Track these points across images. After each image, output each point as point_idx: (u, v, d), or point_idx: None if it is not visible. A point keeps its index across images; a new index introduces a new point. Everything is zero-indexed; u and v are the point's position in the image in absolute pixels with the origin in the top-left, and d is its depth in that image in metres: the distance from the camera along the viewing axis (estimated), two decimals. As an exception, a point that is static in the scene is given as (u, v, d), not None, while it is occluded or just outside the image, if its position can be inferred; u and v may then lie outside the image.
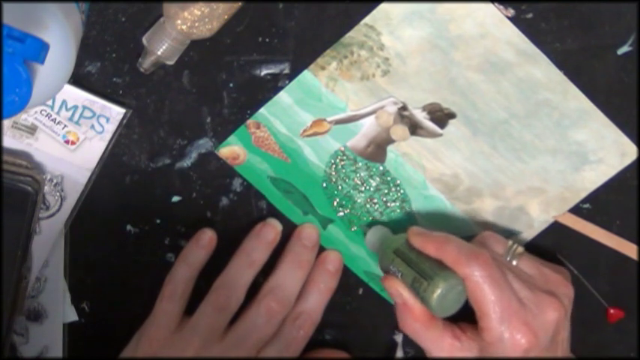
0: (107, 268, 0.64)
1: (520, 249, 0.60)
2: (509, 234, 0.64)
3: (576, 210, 0.64)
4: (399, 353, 0.66)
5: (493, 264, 0.55)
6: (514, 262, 0.59)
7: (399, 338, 0.66)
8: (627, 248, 0.65)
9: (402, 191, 0.64)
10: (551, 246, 0.65)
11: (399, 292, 0.58)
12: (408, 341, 0.66)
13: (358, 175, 0.63)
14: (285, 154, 0.63)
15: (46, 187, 0.60)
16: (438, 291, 0.55)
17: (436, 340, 0.58)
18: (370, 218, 0.64)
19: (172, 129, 0.62)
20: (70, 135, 0.60)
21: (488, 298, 0.55)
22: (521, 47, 0.60)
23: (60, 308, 0.63)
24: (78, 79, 0.60)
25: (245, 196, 0.63)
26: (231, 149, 0.62)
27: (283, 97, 0.61)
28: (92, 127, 0.60)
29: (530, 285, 0.57)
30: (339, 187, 0.64)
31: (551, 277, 0.59)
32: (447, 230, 0.64)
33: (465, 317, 0.58)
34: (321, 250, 0.64)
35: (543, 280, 0.59)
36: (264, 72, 0.61)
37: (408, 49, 0.61)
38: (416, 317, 0.58)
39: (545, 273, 0.59)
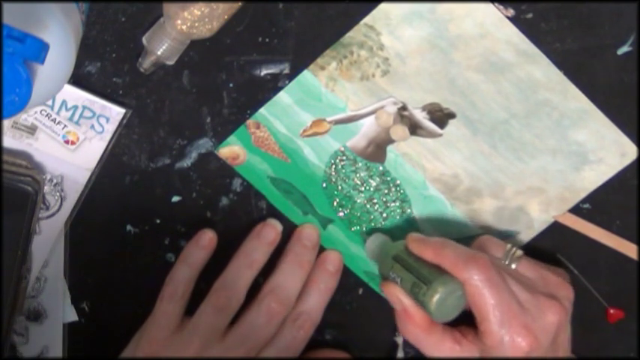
0: (107, 268, 0.64)
1: (519, 252, 0.60)
2: (509, 234, 0.64)
3: (576, 210, 0.64)
4: (400, 354, 0.66)
5: (492, 267, 0.55)
6: (513, 266, 0.59)
7: (399, 339, 0.66)
8: (627, 248, 0.65)
9: (401, 191, 0.64)
10: (551, 246, 0.65)
11: (398, 298, 0.58)
12: (409, 342, 0.66)
13: (358, 175, 0.63)
14: (285, 154, 0.63)
15: (46, 187, 0.60)
16: (437, 295, 0.55)
17: (436, 345, 0.58)
18: (370, 218, 0.64)
19: (172, 129, 0.62)
20: (70, 135, 0.60)
21: (488, 301, 0.55)
22: (521, 47, 0.61)
23: (60, 308, 0.63)
24: (78, 79, 0.60)
25: (245, 196, 0.63)
26: (231, 149, 0.62)
27: (283, 97, 0.61)
28: (92, 127, 0.60)
29: (529, 288, 0.57)
30: (339, 188, 0.64)
31: (551, 280, 0.59)
32: (447, 230, 0.64)
33: (465, 322, 0.58)
34: (321, 250, 0.64)
35: (543, 282, 0.59)
36: (264, 72, 0.61)
37: (407, 49, 0.61)
38: (416, 323, 0.58)
39: (544, 276, 0.59)
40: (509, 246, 0.60)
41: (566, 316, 0.58)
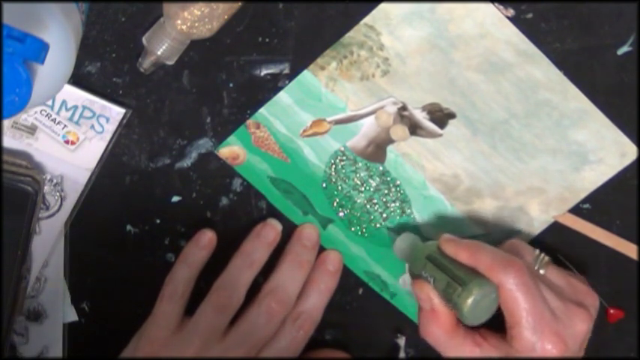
0: (107, 268, 0.64)
1: (547, 258, 0.60)
2: (509, 234, 0.64)
3: (576, 210, 0.64)
4: (402, 354, 0.66)
5: (527, 272, 0.55)
6: (542, 272, 0.59)
7: (401, 341, 0.66)
8: (627, 248, 0.65)
9: (401, 191, 0.64)
10: (551, 246, 0.65)
11: (429, 297, 0.57)
12: (410, 343, 0.66)
13: (358, 175, 0.63)
14: (284, 154, 0.63)
15: (46, 187, 0.60)
16: (472, 297, 0.54)
17: (457, 347, 0.57)
18: (370, 218, 0.64)
19: (172, 129, 0.62)
20: (69, 135, 0.60)
21: (522, 306, 0.55)
22: (521, 47, 0.61)
23: (60, 308, 0.63)
24: (78, 79, 0.60)
25: (245, 196, 0.63)
26: (231, 149, 0.62)
27: (283, 97, 0.61)
28: (92, 127, 0.60)
29: (560, 295, 0.57)
30: (339, 188, 0.64)
31: (578, 288, 0.59)
32: (447, 230, 0.64)
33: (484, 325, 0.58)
34: (321, 250, 0.64)
35: (571, 290, 0.59)
36: (264, 72, 0.61)
37: (407, 49, 0.61)
38: (440, 324, 0.57)
39: (572, 283, 0.59)
40: (537, 251, 0.60)
41: (591, 325, 0.58)
